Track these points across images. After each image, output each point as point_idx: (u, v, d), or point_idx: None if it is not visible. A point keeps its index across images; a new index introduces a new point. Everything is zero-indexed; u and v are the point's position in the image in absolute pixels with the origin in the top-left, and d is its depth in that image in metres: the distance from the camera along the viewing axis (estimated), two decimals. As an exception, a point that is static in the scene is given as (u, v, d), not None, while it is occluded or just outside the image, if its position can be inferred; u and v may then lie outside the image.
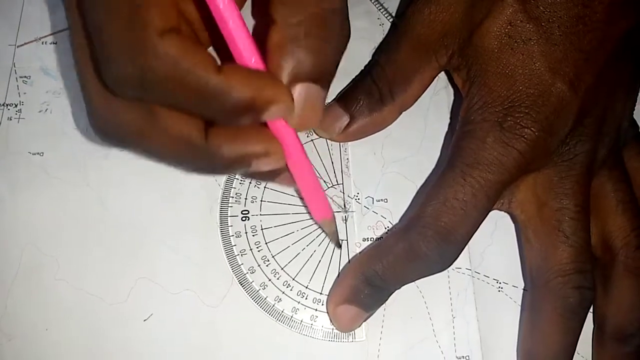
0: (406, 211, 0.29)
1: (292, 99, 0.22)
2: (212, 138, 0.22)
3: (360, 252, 0.29)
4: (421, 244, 0.24)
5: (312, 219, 0.29)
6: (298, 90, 0.22)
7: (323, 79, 0.23)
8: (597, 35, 0.25)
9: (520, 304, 0.28)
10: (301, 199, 0.29)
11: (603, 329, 0.27)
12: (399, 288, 0.26)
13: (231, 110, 0.21)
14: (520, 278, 0.29)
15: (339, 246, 0.29)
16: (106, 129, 0.23)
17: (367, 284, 0.26)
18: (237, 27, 0.21)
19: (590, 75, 0.25)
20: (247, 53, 0.21)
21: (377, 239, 0.29)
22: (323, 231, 0.29)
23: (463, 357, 0.27)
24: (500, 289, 0.29)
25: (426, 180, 0.30)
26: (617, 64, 0.27)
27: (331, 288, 0.28)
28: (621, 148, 0.28)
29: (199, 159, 0.23)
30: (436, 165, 0.30)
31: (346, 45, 0.24)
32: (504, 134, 0.25)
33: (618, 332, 0.26)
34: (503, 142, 0.25)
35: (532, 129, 0.25)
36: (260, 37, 0.23)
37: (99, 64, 0.21)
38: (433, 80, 0.30)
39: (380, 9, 0.34)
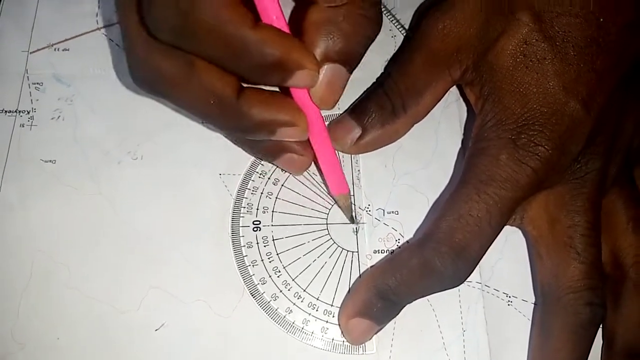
0: (420, 226, 0.30)
1: (318, 70, 0.24)
2: (243, 99, 0.24)
3: (372, 266, 0.29)
4: (436, 259, 0.25)
5: (329, 193, 0.30)
6: (326, 69, 0.24)
7: (350, 63, 0.25)
8: (610, 56, 0.26)
9: (529, 318, 0.28)
10: (320, 174, 0.30)
11: (612, 345, 0.27)
12: (411, 302, 0.26)
13: (261, 66, 0.22)
14: (529, 292, 0.29)
15: (353, 221, 0.30)
16: (144, 75, 0.24)
17: (380, 298, 0.26)
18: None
19: (603, 95, 0.26)
20: (273, 12, 0.23)
21: (388, 251, 0.29)
22: (338, 206, 0.29)
23: (473, 370, 0.28)
24: (509, 303, 0.29)
25: (439, 196, 0.30)
26: (628, 85, 0.27)
27: (343, 301, 0.28)
28: (632, 167, 0.28)
29: (228, 117, 0.24)
30: (449, 181, 0.30)
31: (375, 37, 0.26)
32: (517, 152, 0.25)
33: (627, 349, 0.27)
34: (517, 160, 0.25)
35: (546, 147, 0.25)
36: (299, 15, 0.25)
37: (142, 5, 0.22)
38: (445, 93, 0.30)
39: (392, 21, 0.34)
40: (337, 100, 0.26)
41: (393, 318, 0.27)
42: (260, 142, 0.27)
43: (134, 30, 0.23)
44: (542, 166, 0.25)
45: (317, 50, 0.24)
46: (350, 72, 0.25)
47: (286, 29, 0.23)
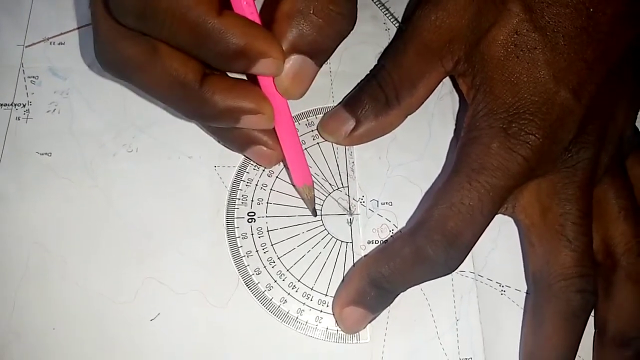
0: (412, 215, 0.30)
1: (283, 59, 0.24)
2: (207, 85, 0.24)
3: (366, 255, 0.29)
4: (428, 247, 0.25)
5: (293, 186, 0.30)
6: (293, 59, 0.24)
7: (319, 56, 0.25)
8: (600, 46, 0.26)
9: (522, 307, 0.29)
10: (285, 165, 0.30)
11: (604, 333, 0.27)
12: (405, 290, 0.27)
13: (224, 54, 0.22)
14: (522, 281, 0.29)
15: (315, 214, 0.30)
16: (109, 59, 0.24)
17: (374, 286, 0.26)
18: None
19: (593, 85, 0.26)
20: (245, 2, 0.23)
21: (382, 241, 0.29)
22: (301, 198, 0.29)
23: (466, 358, 0.28)
24: (502, 292, 0.29)
25: (432, 185, 0.30)
26: (619, 74, 0.27)
27: (337, 290, 0.28)
28: (624, 156, 0.29)
29: (191, 103, 0.24)
30: (442, 170, 0.31)
31: (348, 32, 0.25)
32: (509, 140, 0.25)
33: (619, 336, 0.27)
34: (508, 148, 0.25)
35: (537, 135, 0.25)
36: (271, 6, 0.25)
37: None
38: (438, 84, 0.30)
39: (386, 14, 0.34)
40: (304, 92, 0.25)
41: (387, 306, 0.27)
42: (229, 131, 0.27)
43: (100, 15, 0.23)
44: (533, 154, 0.25)
45: (286, 40, 0.24)
46: (319, 66, 0.25)
47: (256, 16, 0.23)
